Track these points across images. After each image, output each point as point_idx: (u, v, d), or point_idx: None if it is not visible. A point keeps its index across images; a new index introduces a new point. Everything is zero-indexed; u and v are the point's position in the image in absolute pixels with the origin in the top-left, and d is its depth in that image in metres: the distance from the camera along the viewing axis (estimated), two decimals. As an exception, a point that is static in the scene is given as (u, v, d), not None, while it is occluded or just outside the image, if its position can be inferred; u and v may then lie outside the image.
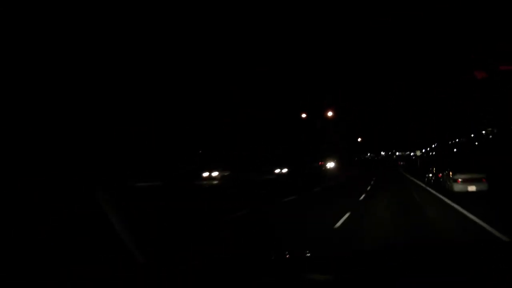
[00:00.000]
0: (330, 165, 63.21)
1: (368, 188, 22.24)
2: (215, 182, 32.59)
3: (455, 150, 54.78)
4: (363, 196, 17.17)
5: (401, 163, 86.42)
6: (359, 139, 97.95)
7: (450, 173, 15.66)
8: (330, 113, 52.21)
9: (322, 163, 53.74)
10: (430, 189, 18.84)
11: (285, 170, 39.87)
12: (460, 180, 14.82)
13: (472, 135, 52.84)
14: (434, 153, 71.94)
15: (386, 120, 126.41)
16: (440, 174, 18.89)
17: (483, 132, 47.14)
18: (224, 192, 22.26)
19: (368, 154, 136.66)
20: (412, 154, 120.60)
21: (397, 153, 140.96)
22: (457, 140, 60.13)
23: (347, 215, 11.20)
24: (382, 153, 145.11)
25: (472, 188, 14.59)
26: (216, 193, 21.80)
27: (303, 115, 50.66)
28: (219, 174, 36.85)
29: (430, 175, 21.34)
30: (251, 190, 21.66)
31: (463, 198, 13.74)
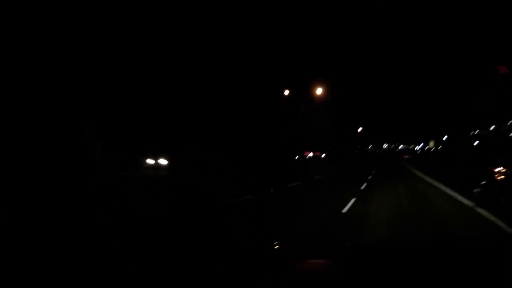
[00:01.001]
0: (310, 155, 51.31)
1: (348, 205, 10.85)
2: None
3: (476, 143, 43.99)
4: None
5: (407, 156, 74.77)
6: (360, 129, 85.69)
7: None
8: (319, 91, 40.87)
9: (306, 152, 41.85)
10: None
11: (164, 162, 24.34)
12: None
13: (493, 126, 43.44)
14: (446, 146, 60.24)
15: (390, 110, 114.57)
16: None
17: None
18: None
19: (370, 146, 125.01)
20: (416, 147, 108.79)
21: (401, 146, 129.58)
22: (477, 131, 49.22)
23: None
24: (385, 145, 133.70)
25: None
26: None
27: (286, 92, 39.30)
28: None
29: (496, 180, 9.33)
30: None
31: None
